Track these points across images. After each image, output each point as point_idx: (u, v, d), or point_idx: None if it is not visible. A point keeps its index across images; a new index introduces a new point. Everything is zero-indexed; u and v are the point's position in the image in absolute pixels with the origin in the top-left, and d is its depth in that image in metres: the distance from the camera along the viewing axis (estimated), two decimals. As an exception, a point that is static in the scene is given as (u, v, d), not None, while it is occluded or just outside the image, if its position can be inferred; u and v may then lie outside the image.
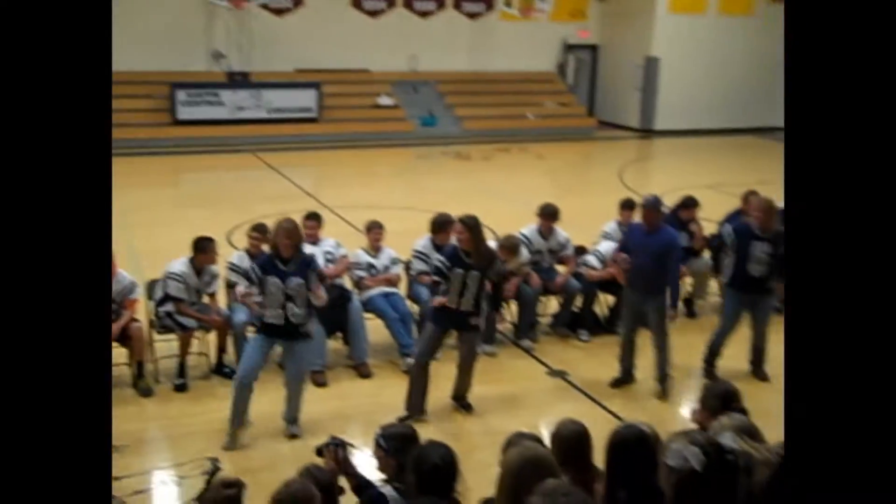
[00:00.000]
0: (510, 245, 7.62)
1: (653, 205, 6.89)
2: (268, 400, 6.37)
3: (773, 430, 3.57)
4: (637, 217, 7.56)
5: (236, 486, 3.45)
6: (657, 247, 6.84)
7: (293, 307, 5.90)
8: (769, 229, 7.06)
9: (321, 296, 5.94)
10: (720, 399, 4.05)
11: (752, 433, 3.40)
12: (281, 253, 5.89)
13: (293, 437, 6.16)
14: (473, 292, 6.38)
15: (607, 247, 8.10)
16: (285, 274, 5.88)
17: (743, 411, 4.00)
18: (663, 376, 7.13)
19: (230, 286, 7.28)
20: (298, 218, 6.78)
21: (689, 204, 8.73)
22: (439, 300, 6.41)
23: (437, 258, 6.64)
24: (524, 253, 7.94)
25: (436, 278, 6.52)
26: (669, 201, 8.45)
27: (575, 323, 8.32)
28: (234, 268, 7.27)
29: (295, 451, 5.88)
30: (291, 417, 6.22)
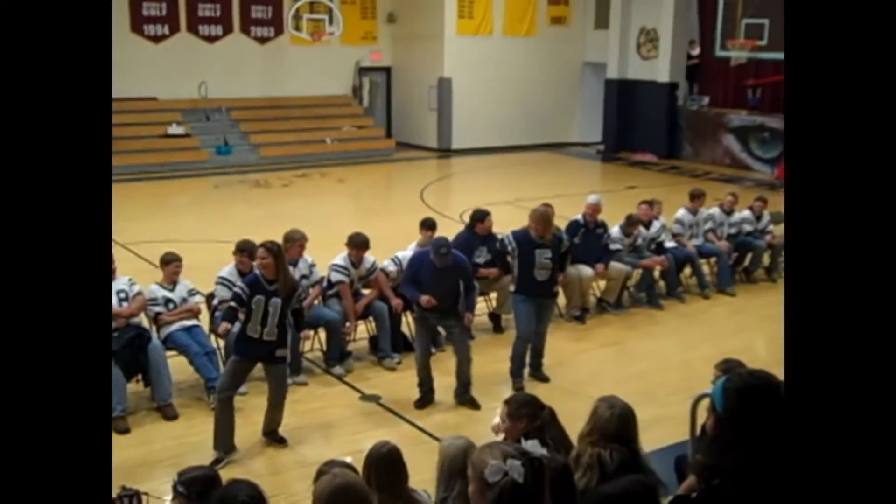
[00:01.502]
0: (293, 237, 7.68)
1: (438, 250, 7.02)
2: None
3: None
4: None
5: None
6: (450, 276, 7.10)
7: None
8: (546, 236, 7.44)
9: None
10: (528, 406, 4.16)
11: None
12: None
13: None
14: (276, 321, 6.25)
15: (403, 254, 8.35)
16: None
17: (552, 414, 4.14)
18: (467, 386, 7.27)
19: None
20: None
21: (481, 217, 8.95)
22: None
23: (240, 285, 6.46)
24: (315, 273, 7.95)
25: (232, 304, 6.37)
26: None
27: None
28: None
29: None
30: None
